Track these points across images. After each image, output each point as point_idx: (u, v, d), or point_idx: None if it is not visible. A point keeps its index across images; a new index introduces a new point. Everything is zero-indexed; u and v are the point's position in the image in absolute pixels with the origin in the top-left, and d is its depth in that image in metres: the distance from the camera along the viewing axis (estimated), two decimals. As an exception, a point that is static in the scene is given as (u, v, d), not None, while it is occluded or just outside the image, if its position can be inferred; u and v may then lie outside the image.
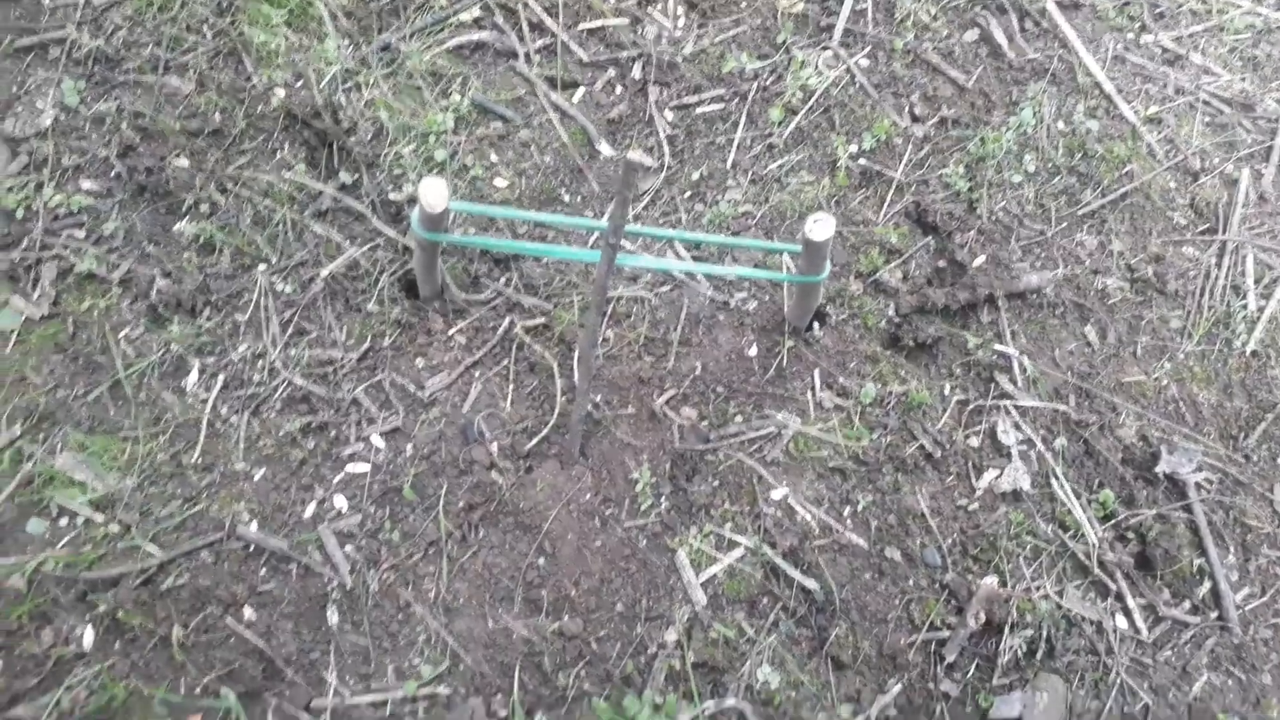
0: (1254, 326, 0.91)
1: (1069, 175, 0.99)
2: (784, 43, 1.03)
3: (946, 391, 0.88)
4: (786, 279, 0.81)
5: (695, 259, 0.93)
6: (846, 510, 0.83)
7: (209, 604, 0.77)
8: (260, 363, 0.89)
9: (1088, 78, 1.03)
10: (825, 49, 1.02)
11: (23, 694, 0.75)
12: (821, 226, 0.69)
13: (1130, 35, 1.10)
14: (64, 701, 0.74)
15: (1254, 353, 0.90)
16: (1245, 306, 0.92)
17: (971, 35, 1.06)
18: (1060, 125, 1.00)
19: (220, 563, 0.80)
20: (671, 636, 0.77)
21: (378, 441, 0.86)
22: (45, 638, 0.77)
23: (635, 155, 0.62)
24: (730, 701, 0.75)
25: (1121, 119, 1.02)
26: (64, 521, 0.82)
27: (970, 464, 0.85)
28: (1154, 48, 1.08)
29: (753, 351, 0.89)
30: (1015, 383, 0.88)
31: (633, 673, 0.76)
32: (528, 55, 1.03)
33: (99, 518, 0.81)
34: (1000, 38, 1.03)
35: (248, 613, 0.78)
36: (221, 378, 0.88)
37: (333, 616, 0.78)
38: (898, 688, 0.76)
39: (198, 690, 0.75)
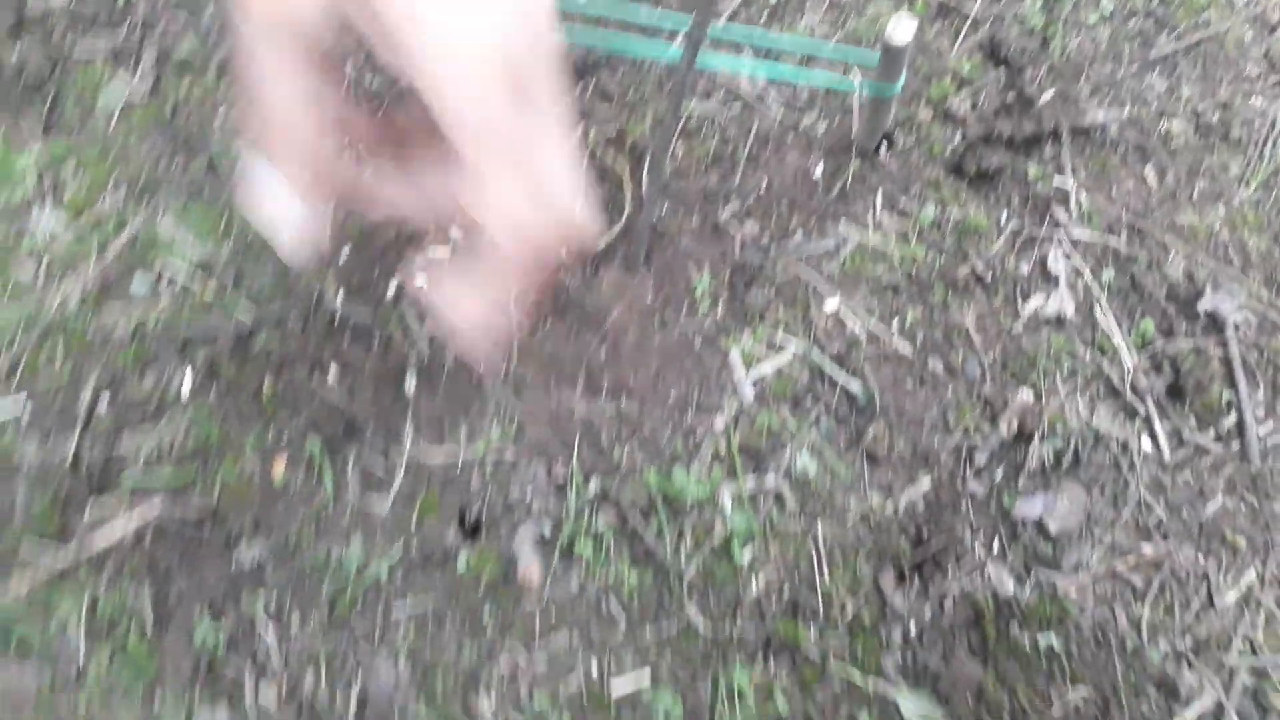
0: (1314, 184, 0.95)
1: (1145, 19, 1.01)
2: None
3: (1003, 220, 0.92)
4: (860, 88, 0.85)
5: (773, 80, 0.97)
6: (895, 322, 0.88)
7: (297, 364, 0.85)
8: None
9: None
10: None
11: (127, 430, 0.84)
12: (902, 29, 0.73)
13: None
14: (165, 437, 0.83)
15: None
16: (1308, 164, 0.95)
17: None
18: (1143, -27, 1.03)
19: (308, 329, 0.87)
20: (720, 424, 0.84)
21: (455, 233, 0.92)
22: (148, 382, 0.86)
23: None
24: (770, 481, 0.82)
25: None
26: (164, 282, 0.89)
27: (1019, 289, 0.90)
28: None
29: (818, 172, 0.94)
30: (1070, 215, 0.92)
31: (681, 451, 0.83)
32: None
33: (196, 280, 0.88)
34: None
35: (332, 375, 0.85)
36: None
37: (410, 384, 0.86)
38: (927, 482, 0.83)
39: (284, 439, 0.83)
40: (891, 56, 0.77)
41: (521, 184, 0.44)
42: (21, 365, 0.87)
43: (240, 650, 0.78)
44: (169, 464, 0.83)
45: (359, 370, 0.86)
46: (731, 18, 1.00)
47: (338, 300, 0.88)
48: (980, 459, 0.84)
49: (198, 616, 0.79)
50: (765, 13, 1.00)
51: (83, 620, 0.79)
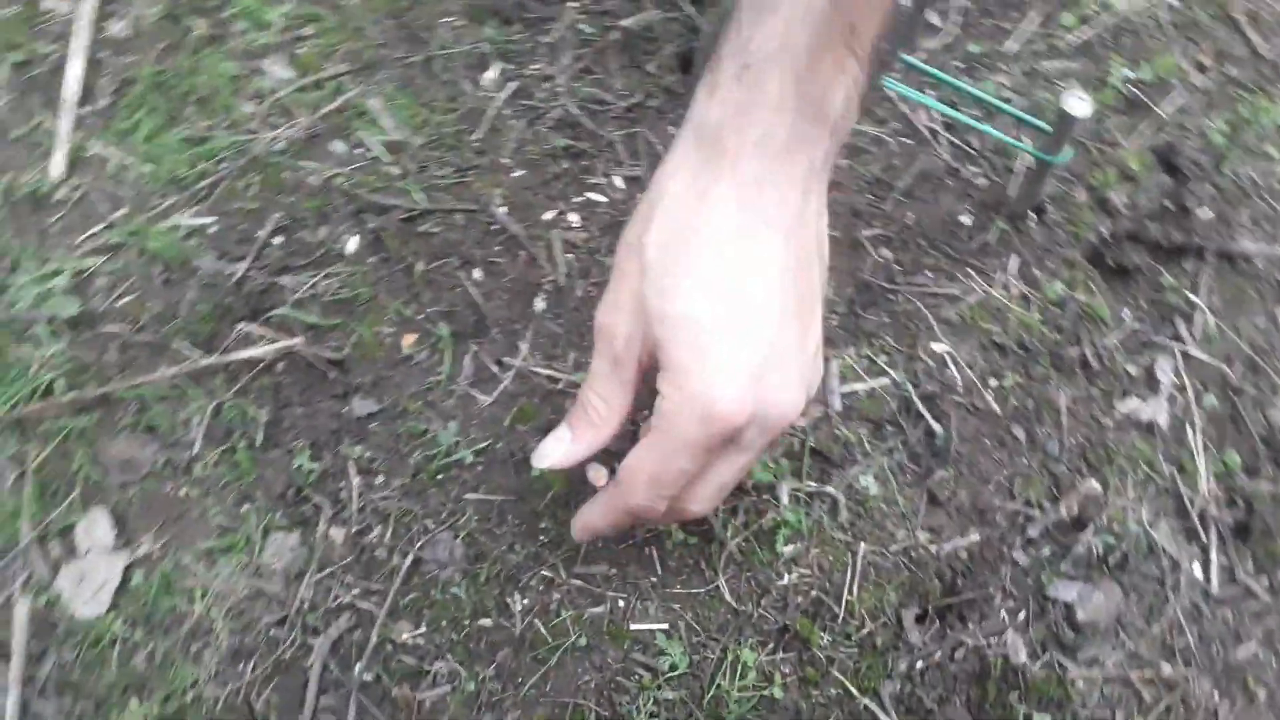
0: None
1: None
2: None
3: (1125, 316, 0.89)
4: (1027, 149, 0.82)
5: (946, 121, 0.95)
6: (993, 381, 0.86)
7: (450, 255, 0.88)
8: (547, 84, 0.97)
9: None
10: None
11: (291, 269, 0.88)
12: (1080, 103, 0.70)
13: None
14: (321, 284, 0.86)
15: None
16: None
17: (1289, 11, 1.02)
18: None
19: (469, 228, 0.89)
20: (803, 422, 0.84)
21: (618, 182, 0.93)
22: (320, 233, 0.89)
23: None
24: (831, 489, 0.82)
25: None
26: (359, 151, 0.92)
27: (1120, 385, 0.87)
28: None
29: (966, 221, 0.92)
30: (1191, 333, 0.88)
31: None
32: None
33: (387, 157, 0.91)
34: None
35: (477, 274, 0.88)
36: (513, 85, 0.96)
37: (539, 304, 0.87)
38: (976, 536, 0.81)
39: (421, 316, 0.86)
40: (1063, 127, 0.74)
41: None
42: (220, 187, 0.92)
43: (325, 489, 0.81)
44: (317, 308, 0.86)
45: (500, 276, 0.88)
46: (928, 60, 0.97)
47: (501, 210, 0.90)
48: (1033, 531, 0.82)
49: (300, 447, 0.82)
50: (959, 63, 0.98)
51: (205, 420, 0.83)
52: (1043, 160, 0.79)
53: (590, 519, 0.67)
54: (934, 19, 0.99)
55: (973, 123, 0.84)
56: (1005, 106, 0.81)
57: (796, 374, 0.57)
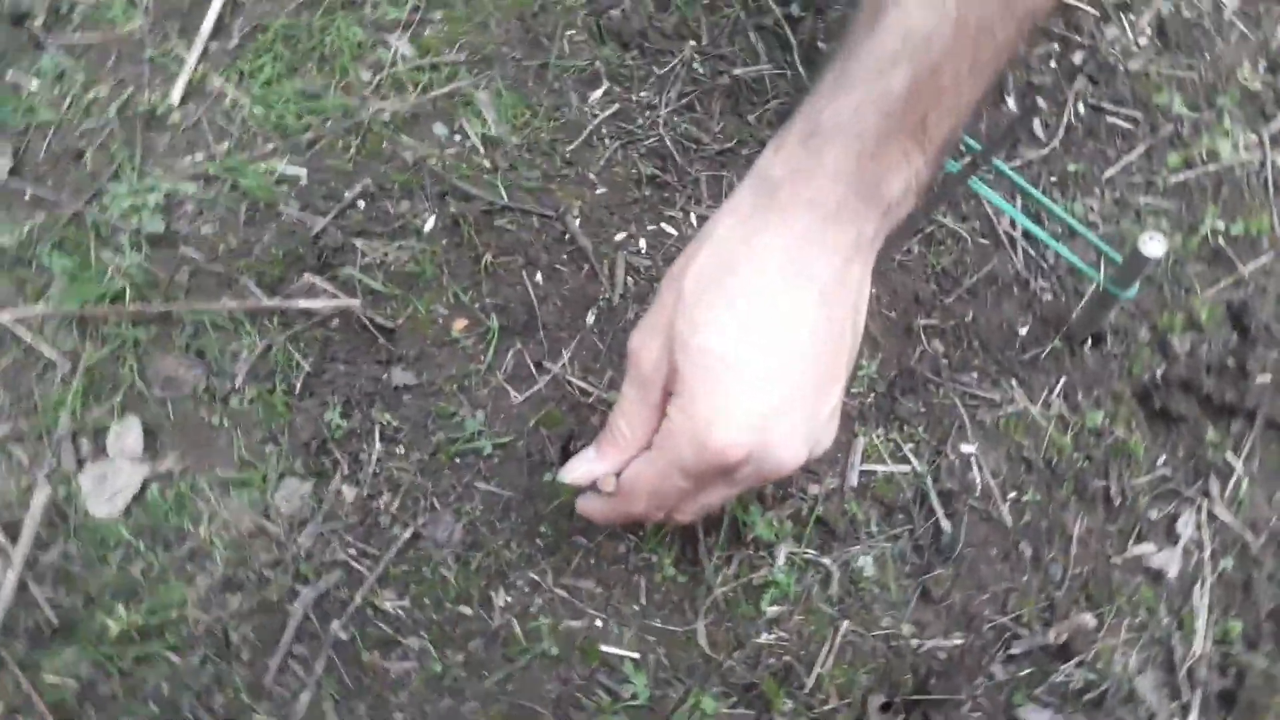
0: None
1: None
2: (1220, 106, 0.99)
3: (1159, 462, 0.87)
4: (1097, 277, 0.81)
5: (1026, 231, 0.94)
6: (1013, 494, 0.85)
7: (518, 253, 0.89)
8: (649, 112, 0.98)
9: None
10: (1254, 132, 0.98)
11: (367, 234, 0.90)
12: (1155, 244, 0.69)
13: None
14: (392, 254, 0.88)
15: None
16: None
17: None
18: None
19: (541, 232, 0.91)
20: (815, 490, 0.83)
21: (694, 219, 0.94)
22: (403, 206, 0.91)
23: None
24: (828, 562, 0.81)
25: None
26: (457, 138, 0.94)
27: (1138, 528, 0.85)
28: None
29: (1022, 332, 0.91)
30: (1222, 493, 0.86)
31: (769, 495, 0.83)
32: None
33: (482, 150, 0.93)
34: None
35: (539, 277, 0.89)
36: (616, 106, 0.97)
37: (590, 317, 0.88)
38: (959, 641, 0.80)
39: (477, 305, 0.87)
40: (1135, 263, 0.73)
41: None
42: (320, 143, 0.94)
43: (348, 448, 0.83)
44: (382, 275, 0.88)
45: (560, 283, 0.89)
46: (1023, 168, 0.97)
47: (575, 221, 0.91)
48: (1017, 649, 0.80)
49: (334, 403, 0.84)
50: (1055, 178, 0.97)
51: (253, 357, 0.85)
52: (1109, 291, 0.78)
53: (590, 509, 0.69)
54: (1038, 130, 0.99)
55: (1048, 239, 0.83)
56: (1084, 230, 0.80)
57: (804, 430, 0.58)
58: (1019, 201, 0.93)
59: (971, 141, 0.78)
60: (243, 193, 0.91)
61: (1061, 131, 0.99)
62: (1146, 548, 0.85)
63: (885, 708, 0.78)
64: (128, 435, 0.83)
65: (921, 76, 0.52)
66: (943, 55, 0.51)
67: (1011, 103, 0.99)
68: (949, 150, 0.57)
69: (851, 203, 0.54)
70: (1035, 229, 0.83)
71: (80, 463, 0.81)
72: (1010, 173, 0.83)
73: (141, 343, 0.85)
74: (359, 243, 0.89)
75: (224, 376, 0.85)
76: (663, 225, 0.94)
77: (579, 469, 0.66)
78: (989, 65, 0.54)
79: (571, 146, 0.95)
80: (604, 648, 0.77)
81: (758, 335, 0.56)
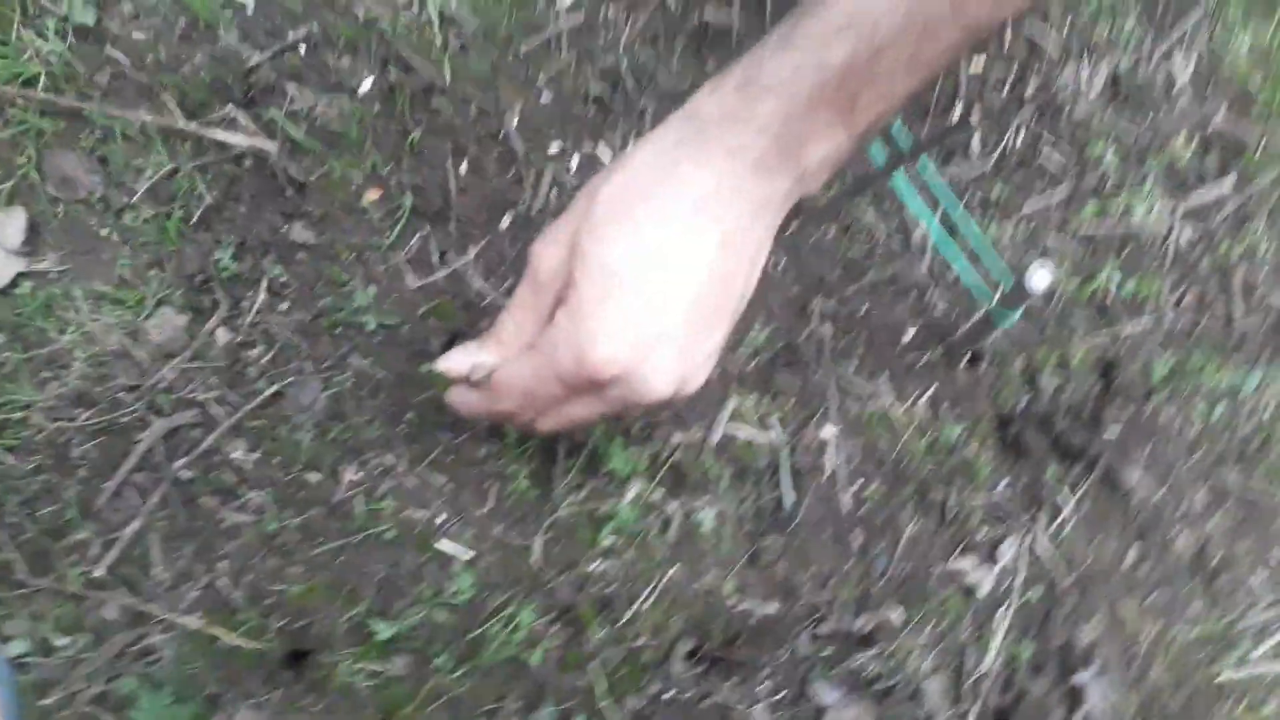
0: None
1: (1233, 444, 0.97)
2: (1147, 169, 1.01)
3: (999, 486, 0.90)
4: (986, 298, 0.83)
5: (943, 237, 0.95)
6: (859, 483, 0.87)
7: (448, 138, 0.86)
8: (612, 34, 0.96)
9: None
10: (1170, 200, 1.00)
11: (301, 80, 0.86)
12: (1041, 277, 0.71)
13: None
14: (322, 107, 0.85)
15: None
16: None
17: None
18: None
19: (477, 123, 0.88)
20: (679, 438, 0.84)
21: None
22: (344, 61, 0.87)
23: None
24: (671, 507, 0.82)
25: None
26: (415, 7, 0.91)
27: (964, 540, 0.88)
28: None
29: (908, 336, 0.92)
30: (1048, 528, 0.90)
31: (636, 433, 0.83)
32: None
33: (437, 25, 0.90)
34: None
35: (463, 168, 0.87)
36: (583, 17, 0.95)
37: (505, 221, 0.87)
38: (774, 610, 0.83)
39: (394, 179, 0.85)
40: (1018, 294, 0.75)
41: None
42: None
43: (232, 292, 0.81)
44: (306, 126, 0.85)
45: (484, 180, 0.88)
46: (952, 181, 0.98)
47: (514, 122, 0.89)
48: (824, 629, 0.83)
49: (228, 243, 0.81)
50: (979, 196, 0.98)
51: (157, 177, 0.81)
52: (992, 315, 0.80)
53: (460, 400, 0.68)
54: (975, 147, 0.99)
55: (950, 252, 0.84)
56: (988, 252, 0.82)
57: (678, 364, 0.59)
58: (939, 213, 0.94)
59: (902, 138, 0.78)
60: (185, 6, 0.87)
61: (996, 154, 1.00)
62: (967, 562, 0.88)
63: (690, 655, 0.81)
64: (10, 225, 0.79)
65: (860, 56, 0.52)
66: (885, 42, 0.52)
67: (958, 112, 1.00)
68: (873, 134, 0.58)
69: (771, 159, 0.55)
70: (941, 239, 0.84)
71: (-46, 242, 0.78)
72: (934, 179, 0.84)
73: (45, 134, 0.81)
74: (290, 87, 0.86)
75: (122, 189, 0.81)
76: (599, 148, 0.92)
77: (458, 358, 0.65)
78: (927, 64, 0.54)
79: (528, 46, 0.92)
80: (441, 543, 0.78)
81: (656, 262, 0.56)
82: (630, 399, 0.60)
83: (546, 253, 0.60)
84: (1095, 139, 1.04)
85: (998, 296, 0.81)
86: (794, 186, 0.58)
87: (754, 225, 0.58)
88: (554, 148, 0.91)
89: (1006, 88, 1.04)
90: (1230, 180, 1.06)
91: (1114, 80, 1.07)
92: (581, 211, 0.59)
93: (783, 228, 0.61)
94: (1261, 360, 1.01)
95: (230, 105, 0.84)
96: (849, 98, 0.54)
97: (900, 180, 0.78)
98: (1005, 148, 1.01)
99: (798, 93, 0.54)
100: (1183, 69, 1.10)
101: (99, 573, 0.73)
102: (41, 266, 0.79)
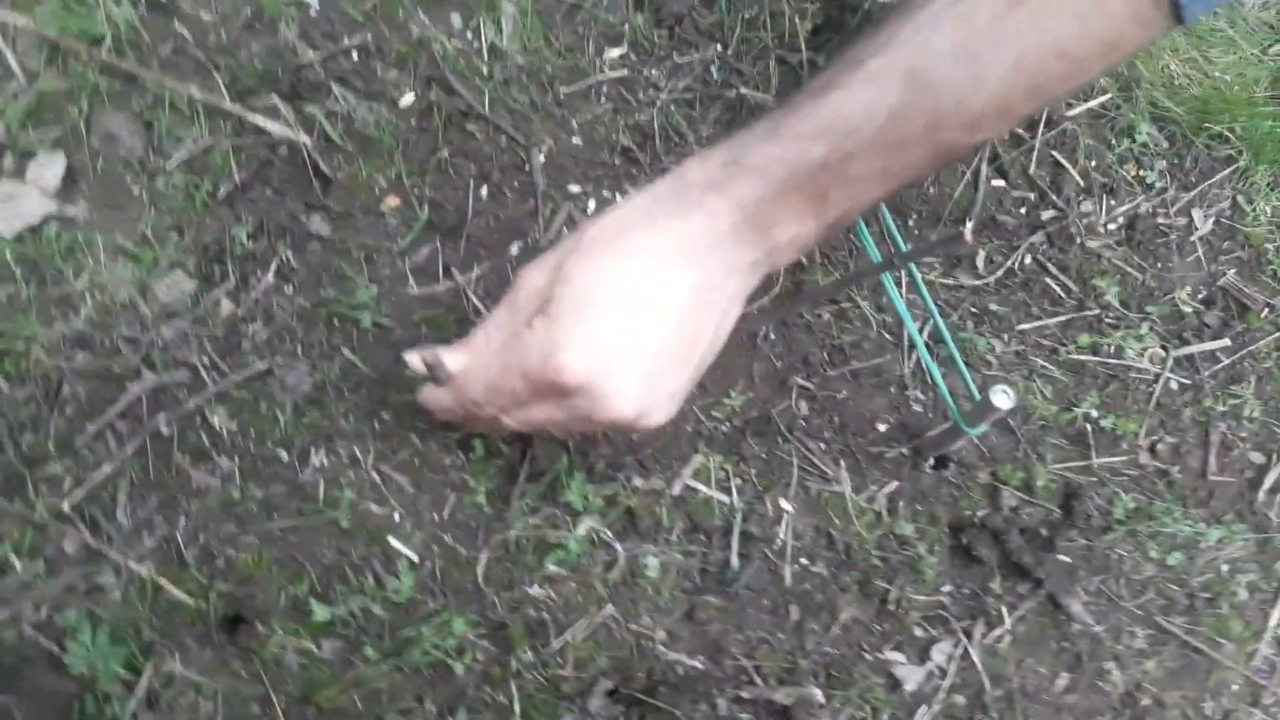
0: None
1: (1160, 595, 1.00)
2: (1147, 312, 1.05)
3: (943, 589, 0.94)
4: (952, 406, 0.87)
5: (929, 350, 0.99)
6: (804, 561, 0.91)
7: (473, 162, 0.92)
8: (651, 91, 1.02)
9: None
10: (1163, 348, 1.04)
11: (347, 84, 0.93)
12: (1003, 398, 0.76)
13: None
14: (359, 112, 0.91)
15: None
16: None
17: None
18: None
19: (505, 153, 0.94)
20: (638, 481, 0.89)
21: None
22: (391, 74, 0.94)
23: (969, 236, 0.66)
24: (620, 548, 0.86)
25: None
26: (469, 35, 0.97)
27: (902, 643, 0.91)
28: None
29: (882, 428, 0.96)
30: (984, 638, 0.93)
31: (597, 468, 0.88)
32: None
33: (485, 55, 0.96)
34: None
35: (484, 190, 0.92)
36: (624, 73, 1.01)
37: (514, 249, 0.92)
38: (699, 664, 0.86)
39: (417, 188, 0.90)
40: (984, 408, 0.79)
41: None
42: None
43: (243, 267, 0.86)
44: (344, 127, 0.91)
45: (501, 206, 0.93)
46: (953, 288, 1.02)
47: (540, 159, 0.95)
48: (745, 694, 0.86)
49: (248, 220, 0.87)
50: (975, 310, 1.03)
51: (194, 148, 0.88)
52: (959, 423, 0.84)
53: (430, 398, 0.75)
54: (980, 263, 1.04)
55: (926, 356, 0.89)
56: (959, 364, 0.86)
57: (639, 391, 0.65)
58: (918, 313, 0.98)
59: (899, 241, 0.83)
60: (254, -2, 0.94)
61: (1001, 272, 1.05)
62: (898, 656, 0.92)
63: (611, 693, 0.84)
64: (50, 168, 0.85)
65: (834, 158, 0.58)
66: (858, 150, 0.58)
67: (970, 228, 1.05)
68: (841, 226, 0.64)
69: (744, 230, 0.61)
70: (921, 344, 0.88)
71: (-3, 174, 0.84)
72: (921, 287, 0.89)
73: (101, 91, 0.88)
74: (336, 88, 0.92)
75: (161, 155, 0.88)
76: (618, 196, 0.98)
77: (427, 351, 0.71)
78: (898, 175, 0.60)
79: (568, 89, 0.99)
80: (391, 540, 0.82)
81: (632, 292, 0.63)
82: (589, 412, 0.65)
83: (531, 275, 0.67)
84: (1102, 274, 1.08)
85: (964, 408, 0.85)
86: (763, 258, 0.64)
87: (724, 283, 0.64)
88: (575, 188, 0.96)
89: (1024, 208, 1.09)
90: (1228, 338, 1.10)
91: (1131, 222, 1.12)
92: (570, 243, 0.66)
93: (754, 298, 0.67)
94: (1227, 518, 1.04)
95: (276, 95, 0.91)
96: (820, 192, 0.61)
97: (890, 283, 0.82)
98: (1012, 265, 1.06)
99: (774, 179, 0.61)
100: (1201, 222, 1.15)
101: (66, 507, 0.78)
102: (71, 213, 0.85)
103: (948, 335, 0.88)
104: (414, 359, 0.71)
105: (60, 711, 0.74)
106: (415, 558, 0.83)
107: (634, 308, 0.62)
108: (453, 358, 0.70)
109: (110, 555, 0.78)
